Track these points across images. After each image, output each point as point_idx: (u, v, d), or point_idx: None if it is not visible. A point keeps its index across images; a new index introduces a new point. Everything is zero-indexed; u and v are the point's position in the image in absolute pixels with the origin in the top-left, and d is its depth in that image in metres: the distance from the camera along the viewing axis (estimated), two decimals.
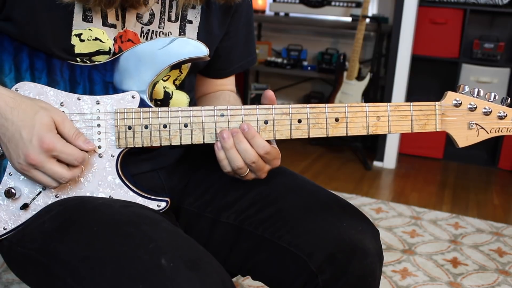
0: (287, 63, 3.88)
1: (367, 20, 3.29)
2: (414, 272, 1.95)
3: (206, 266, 0.72)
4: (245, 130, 0.82)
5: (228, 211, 0.95)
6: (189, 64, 0.97)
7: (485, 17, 3.44)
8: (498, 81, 3.26)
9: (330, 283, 0.85)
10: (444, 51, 3.36)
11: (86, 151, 0.81)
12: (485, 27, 3.47)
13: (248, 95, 4.08)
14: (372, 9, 3.80)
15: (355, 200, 2.67)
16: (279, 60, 3.91)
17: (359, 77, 3.29)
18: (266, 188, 0.95)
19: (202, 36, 0.94)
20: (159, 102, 0.94)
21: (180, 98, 0.98)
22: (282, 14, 3.92)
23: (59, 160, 0.78)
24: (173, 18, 0.92)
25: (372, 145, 3.53)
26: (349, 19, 3.64)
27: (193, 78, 1.05)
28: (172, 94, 0.96)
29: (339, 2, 3.66)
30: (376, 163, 3.32)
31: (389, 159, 3.28)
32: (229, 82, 1.11)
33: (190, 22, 0.93)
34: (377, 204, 2.63)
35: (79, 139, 0.79)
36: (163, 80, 0.95)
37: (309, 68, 3.84)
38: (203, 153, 1.04)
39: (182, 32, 0.93)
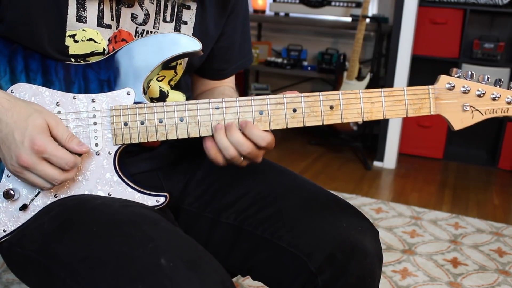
0: (287, 63, 3.88)
1: (367, 20, 3.29)
2: (414, 272, 1.95)
3: (205, 266, 0.72)
4: (242, 126, 0.82)
5: (227, 211, 0.95)
6: (184, 64, 0.97)
7: (485, 17, 3.44)
8: None
9: (330, 283, 0.84)
10: (444, 51, 3.36)
11: (80, 154, 0.80)
12: (485, 27, 3.47)
13: (248, 95, 4.08)
14: (372, 9, 3.80)
15: (355, 200, 2.67)
16: (279, 60, 3.91)
17: (359, 77, 3.29)
18: (266, 188, 0.95)
19: (197, 37, 0.94)
20: (155, 101, 0.94)
21: (176, 97, 0.98)
22: (282, 14, 3.92)
23: (52, 163, 0.77)
24: (168, 19, 0.92)
25: (372, 145, 3.53)
26: (349, 19, 3.64)
27: (188, 79, 1.05)
28: (168, 93, 0.96)
29: (339, 2, 3.66)
30: (376, 163, 3.32)
31: (389, 159, 3.28)
32: (228, 81, 1.11)
33: (185, 23, 0.94)
34: (377, 204, 2.63)
35: (73, 141, 0.79)
36: (158, 81, 0.95)
37: (309, 68, 3.84)
38: (202, 153, 1.03)
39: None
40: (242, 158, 0.84)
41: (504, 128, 3.30)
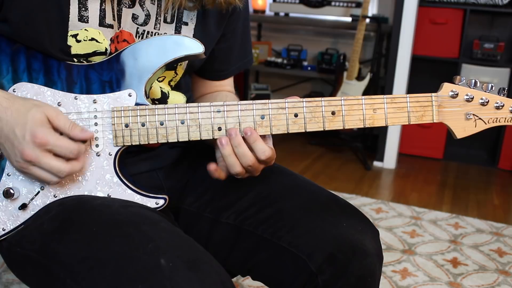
0: (287, 63, 3.88)
1: (367, 20, 3.29)
2: (414, 272, 1.95)
3: (205, 266, 0.72)
4: (248, 134, 0.82)
5: (228, 211, 0.95)
6: (185, 65, 0.97)
7: (485, 17, 3.44)
8: (498, 81, 3.26)
9: (330, 283, 0.84)
10: (444, 51, 3.36)
11: (85, 141, 0.81)
12: (485, 27, 3.46)
13: (248, 95, 4.08)
14: (372, 9, 3.80)
15: (355, 200, 2.66)
16: (279, 60, 3.91)
17: (359, 77, 3.29)
18: (266, 188, 0.95)
19: (197, 38, 0.94)
20: (156, 102, 0.94)
21: (177, 97, 0.98)
22: (282, 14, 3.92)
23: (56, 155, 0.77)
24: (168, 20, 0.92)
25: (372, 145, 3.53)
26: (349, 19, 3.63)
27: (188, 79, 1.05)
28: (169, 94, 0.96)
29: (339, 2, 3.66)
30: (376, 163, 3.32)
31: (389, 159, 3.28)
32: (228, 83, 1.11)
33: (186, 24, 0.94)
34: (377, 204, 2.63)
35: (75, 129, 0.79)
36: (159, 81, 0.95)
37: (309, 68, 3.84)
38: (202, 153, 1.04)
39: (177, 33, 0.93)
40: (245, 171, 0.84)
41: (504, 128, 3.30)
